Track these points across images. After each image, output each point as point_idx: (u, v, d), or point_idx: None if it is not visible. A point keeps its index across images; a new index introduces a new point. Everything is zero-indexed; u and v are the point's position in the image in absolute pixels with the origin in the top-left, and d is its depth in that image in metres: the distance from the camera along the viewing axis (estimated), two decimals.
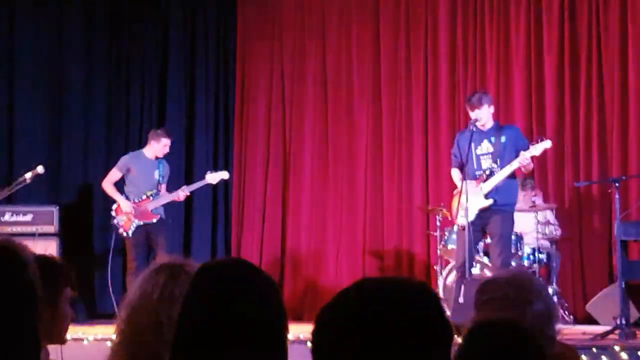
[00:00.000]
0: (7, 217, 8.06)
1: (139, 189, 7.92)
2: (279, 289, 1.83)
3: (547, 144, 6.46)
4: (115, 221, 7.88)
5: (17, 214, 8.08)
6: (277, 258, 9.24)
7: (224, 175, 8.23)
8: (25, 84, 8.81)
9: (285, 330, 1.78)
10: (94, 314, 8.47)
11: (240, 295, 1.73)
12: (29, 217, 8.09)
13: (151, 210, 7.88)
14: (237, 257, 8.36)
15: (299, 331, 5.94)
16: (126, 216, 7.81)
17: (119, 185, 8.03)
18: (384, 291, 1.38)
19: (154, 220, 7.87)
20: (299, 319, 8.18)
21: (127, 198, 7.89)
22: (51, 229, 8.08)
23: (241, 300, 1.72)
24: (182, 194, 7.99)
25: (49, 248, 7.64)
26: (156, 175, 7.97)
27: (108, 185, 8.00)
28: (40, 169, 7.36)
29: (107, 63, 9.23)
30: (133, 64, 9.39)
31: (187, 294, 1.78)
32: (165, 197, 7.99)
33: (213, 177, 8.17)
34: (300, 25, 9.50)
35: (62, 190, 8.84)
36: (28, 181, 7.33)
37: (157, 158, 8.04)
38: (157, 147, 8.00)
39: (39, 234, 7.91)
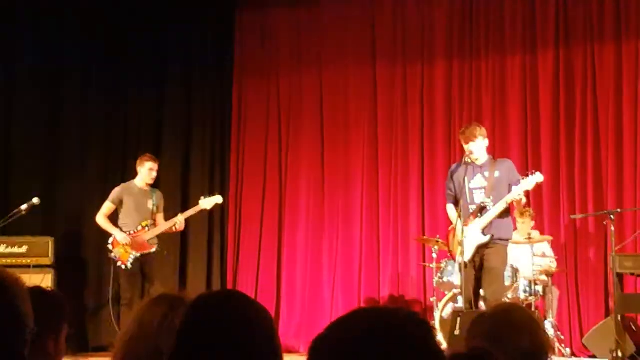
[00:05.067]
0: (2, 248, 7.99)
1: (133, 220, 7.78)
2: (274, 321, 1.83)
3: (538, 177, 6.39)
4: (112, 255, 7.71)
5: (12, 245, 8.01)
6: (273, 291, 9.18)
7: (218, 199, 8.02)
8: (22, 116, 8.86)
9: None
10: (86, 347, 8.35)
11: (235, 325, 1.73)
12: (23, 249, 8.02)
13: (147, 241, 7.77)
14: (233, 289, 8.31)
15: None
16: (123, 248, 7.69)
17: (114, 218, 7.91)
18: (376, 321, 1.38)
19: (152, 251, 7.76)
20: (294, 351, 8.12)
21: (122, 230, 7.77)
22: (46, 260, 8.02)
23: (235, 330, 1.72)
24: (179, 223, 7.85)
25: (44, 280, 7.59)
26: (149, 205, 7.86)
27: (102, 219, 7.87)
28: (35, 200, 7.34)
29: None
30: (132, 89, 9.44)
31: (182, 323, 1.78)
32: (162, 227, 7.86)
33: (207, 203, 7.97)
34: (296, 65, 9.50)
35: (57, 222, 8.80)
36: (23, 212, 7.32)
37: (149, 186, 7.92)
38: (144, 173, 7.85)
39: (34, 266, 7.86)
